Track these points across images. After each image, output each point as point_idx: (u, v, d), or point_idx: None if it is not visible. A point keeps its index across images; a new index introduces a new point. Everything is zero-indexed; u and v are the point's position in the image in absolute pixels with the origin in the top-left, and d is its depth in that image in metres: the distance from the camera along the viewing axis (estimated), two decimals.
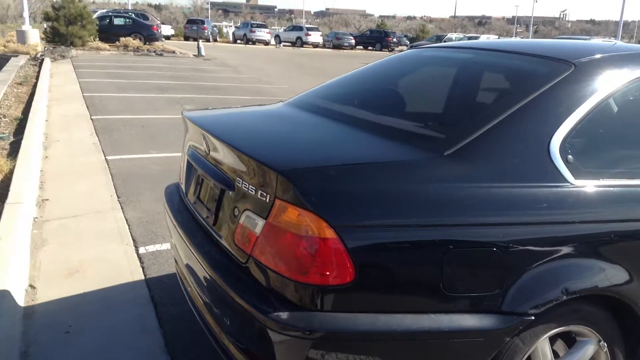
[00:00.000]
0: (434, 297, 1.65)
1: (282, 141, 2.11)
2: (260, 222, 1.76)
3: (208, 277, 1.97)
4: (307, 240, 1.61)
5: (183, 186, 2.59)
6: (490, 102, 2.15)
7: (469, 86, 2.43)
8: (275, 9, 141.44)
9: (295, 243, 1.63)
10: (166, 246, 3.94)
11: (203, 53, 24.34)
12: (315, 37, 43.23)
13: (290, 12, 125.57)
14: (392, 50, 42.77)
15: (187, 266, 2.29)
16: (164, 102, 10.59)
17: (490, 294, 1.69)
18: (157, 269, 3.60)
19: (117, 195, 5.03)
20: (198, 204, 2.32)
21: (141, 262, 3.70)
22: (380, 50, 42.73)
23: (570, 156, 1.83)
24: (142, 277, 3.49)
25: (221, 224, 2.04)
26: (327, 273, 1.60)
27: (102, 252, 3.81)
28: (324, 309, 1.60)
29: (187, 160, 2.54)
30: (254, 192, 1.80)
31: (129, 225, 4.33)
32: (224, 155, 2.03)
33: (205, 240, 2.12)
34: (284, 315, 1.60)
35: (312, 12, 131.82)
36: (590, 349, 1.94)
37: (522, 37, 34.44)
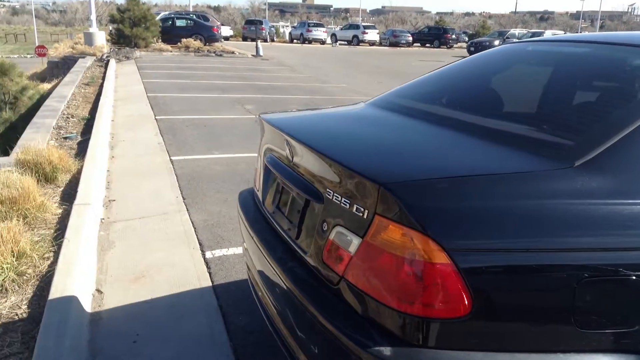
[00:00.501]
0: (563, 334, 1.38)
1: (378, 148, 1.88)
2: (355, 241, 1.54)
3: (292, 296, 1.78)
4: (413, 264, 1.38)
5: (260, 193, 2.41)
6: (623, 102, 1.83)
7: (591, 84, 2.10)
8: (331, 8, 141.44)
9: (398, 267, 1.40)
10: (233, 251, 3.80)
11: (261, 53, 24.47)
12: (372, 35, 42.77)
13: (346, 10, 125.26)
14: (451, 47, 41.78)
15: (264, 278, 2.11)
16: (224, 102, 10.59)
17: (632, 331, 1.40)
18: (224, 275, 3.45)
19: (183, 197, 4.96)
20: (277, 214, 2.14)
21: (208, 267, 3.57)
22: (439, 47, 41.82)
23: None
24: (210, 284, 3.35)
25: (306, 238, 1.84)
26: (439, 304, 1.37)
27: (168, 256, 3.70)
28: (433, 345, 1.37)
29: (265, 166, 2.36)
30: (347, 206, 1.58)
31: (195, 228, 4.23)
32: (312, 164, 1.84)
33: (286, 254, 1.94)
34: (386, 350, 1.37)
35: (368, 11, 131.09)
36: None
37: (588, 32, 32.76)
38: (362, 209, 1.51)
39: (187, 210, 4.63)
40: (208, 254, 3.75)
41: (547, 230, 1.39)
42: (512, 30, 35.53)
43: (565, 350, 1.38)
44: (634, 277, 1.38)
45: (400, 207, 1.39)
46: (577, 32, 31.66)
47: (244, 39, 39.10)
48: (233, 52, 24.82)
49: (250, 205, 2.51)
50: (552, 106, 2.08)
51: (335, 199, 1.64)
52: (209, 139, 7.31)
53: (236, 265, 3.58)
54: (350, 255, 1.55)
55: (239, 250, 3.81)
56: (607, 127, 1.62)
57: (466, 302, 1.35)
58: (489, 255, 1.37)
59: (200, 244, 3.92)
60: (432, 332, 1.37)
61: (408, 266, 1.39)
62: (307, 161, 1.88)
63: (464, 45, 43.78)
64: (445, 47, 41.63)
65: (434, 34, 43.18)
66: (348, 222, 1.58)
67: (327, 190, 1.70)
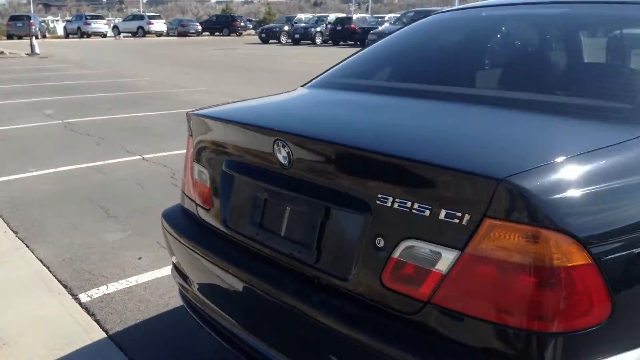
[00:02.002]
0: None
1: (428, 135, 1.53)
2: (447, 255, 1.18)
3: (332, 336, 1.35)
4: (549, 270, 1.08)
5: (213, 212, 1.89)
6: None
7: (599, 46, 1.98)
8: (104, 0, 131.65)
9: (526, 277, 1.09)
10: (114, 287, 3.07)
11: (38, 51, 21.66)
12: (159, 25, 40.89)
13: (121, 2, 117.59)
14: (240, 34, 41.84)
15: (256, 324, 1.65)
16: (16, 110, 8.99)
17: None
18: (118, 320, 2.75)
19: (13, 231, 3.93)
20: (264, 235, 1.67)
21: (91, 313, 2.82)
22: (229, 35, 41.60)
23: None
24: (103, 335, 2.63)
25: (337, 260, 1.43)
26: (582, 313, 1.10)
27: (29, 311, 2.84)
28: None
29: (223, 175, 1.85)
30: (427, 213, 1.21)
31: (48, 267, 3.35)
32: (345, 165, 1.44)
33: (304, 285, 1.50)
34: None
35: (145, 1, 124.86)
36: None
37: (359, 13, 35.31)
38: (459, 214, 1.15)
39: (28, 246, 3.67)
40: (83, 297, 2.98)
41: None
42: (298, 15, 36.77)
43: None
44: None
45: (529, 203, 1.08)
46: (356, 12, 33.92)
47: (10, 37, 34.38)
48: (2, 52, 21.51)
49: (189, 226, 1.97)
50: (572, 70, 1.92)
51: (400, 205, 1.25)
52: (17, 155, 6.05)
53: (128, 304, 2.89)
54: (440, 274, 1.19)
55: (122, 284, 3.10)
56: None
57: (608, 305, 1.12)
58: (623, 244, 1.14)
59: (65, 286, 3.10)
60: (577, 347, 1.11)
61: (541, 274, 1.09)
62: (332, 162, 1.47)
63: (253, 32, 44.29)
64: (235, 34, 41.52)
65: (223, 22, 42.81)
66: (428, 233, 1.22)
67: (381, 196, 1.30)
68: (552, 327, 1.10)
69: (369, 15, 37.35)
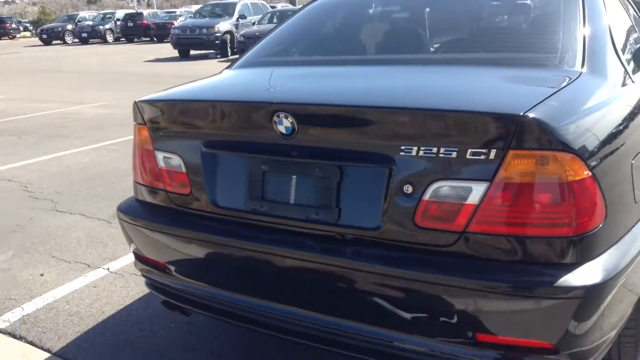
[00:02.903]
0: None
1: (437, 89, 1.82)
2: (478, 187, 1.47)
3: (378, 280, 1.58)
4: (562, 186, 1.43)
5: (195, 195, 1.93)
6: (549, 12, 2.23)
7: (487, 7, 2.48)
8: None
9: (547, 194, 1.44)
10: (30, 307, 2.84)
11: None
12: None
13: None
14: (14, 37, 37.34)
15: (285, 288, 1.81)
16: None
17: None
18: (54, 336, 2.58)
19: None
20: (271, 206, 1.77)
21: (18, 337, 2.59)
22: (0, 38, 36.85)
23: None
24: (47, 354, 2.47)
25: (362, 213, 1.62)
26: (589, 218, 1.46)
27: None
28: (585, 259, 1.46)
29: (204, 157, 1.89)
30: (454, 155, 1.48)
31: None
32: (369, 124, 1.61)
33: (331, 244, 1.66)
34: (574, 274, 1.41)
35: None
36: None
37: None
38: (485, 151, 1.45)
39: None
40: (0, 324, 2.71)
41: (617, 124, 1.69)
42: (81, 14, 34.00)
43: None
44: None
45: (548, 133, 1.41)
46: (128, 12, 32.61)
47: None
48: None
49: (170, 216, 2.00)
50: (503, 30, 2.35)
51: (426, 153, 1.51)
52: None
53: (57, 320, 2.71)
54: (473, 205, 1.48)
55: (37, 302, 2.88)
56: (566, 37, 1.96)
57: (604, 208, 1.50)
58: (606, 158, 1.54)
59: None
60: (588, 245, 1.47)
61: (559, 189, 1.43)
62: (344, 125, 1.64)
63: (29, 34, 39.90)
64: (7, 37, 36.90)
65: None
66: (456, 172, 1.49)
67: (404, 147, 1.53)
68: (570, 231, 1.44)
69: (159, 10, 36.17)
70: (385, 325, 1.63)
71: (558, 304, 1.42)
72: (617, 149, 1.63)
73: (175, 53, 19.53)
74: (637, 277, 1.67)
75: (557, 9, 2.16)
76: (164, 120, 2.00)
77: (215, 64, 17.08)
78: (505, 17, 2.52)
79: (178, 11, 33.25)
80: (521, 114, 1.42)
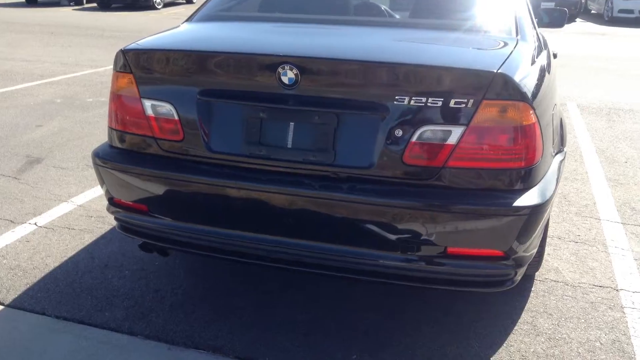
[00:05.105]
0: (555, 141, 2.25)
1: (407, 46, 2.17)
2: (456, 130, 1.81)
3: (368, 210, 1.88)
4: (519, 129, 1.82)
5: (188, 141, 2.06)
6: None
7: None
8: None
9: (509, 134, 1.82)
10: None
11: None
12: None
13: None
14: None
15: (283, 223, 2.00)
16: None
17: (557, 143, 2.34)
18: (1, 289, 2.52)
19: None
20: (269, 149, 1.96)
21: None
22: None
23: None
24: (0, 306, 2.42)
25: (357, 154, 1.88)
26: (533, 155, 1.87)
27: None
28: (530, 186, 1.89)
29: (200, 105, 2.02)
30: (439, 104, 1.80)
31: None
32: (368, 76, 1.87)
33: (327, 181, 1.91)
34: (523, 197, 1.83)
35: None
36: None
37: None
38: (465, 100, 1.80)
39: None
40: None
41: (545, 79, 2.12)
42: None
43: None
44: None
45: (512, 86, 1.80)
46: None
47: None
48: None
49: (154, 161, 2.10)
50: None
51: (416, 102, 1.82)
52: None
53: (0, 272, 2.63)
54: (451, 145, 1.83)
55: None
56: (504, 11, 2.40)
57: (542, 147, 1.93)
58: (542, 107, 1.95)
59: None
60: (532, 175, 1.90)
61: (519, 130, 1.83)
62: (345, 77, 1.89)
63: None
64: None
65: None
66: (440, 118, 1.82)
67: (398, 97, 1.83)
68: (522, 164, 1.86)
69: None
70: (376, 247, 1.95)
71: (512, 220, 1.85)
72: (546, 99, 2.09)
73: None
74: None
75: None
76: (155, 69, 2.08)
77: (69, 12, 15.81)
78: None
79: None
80: (495, 70, 1.81)
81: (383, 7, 2.77)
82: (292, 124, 1.96)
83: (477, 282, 1.98)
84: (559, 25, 3.69)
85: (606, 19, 14.79)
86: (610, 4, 14.63)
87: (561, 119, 2.48)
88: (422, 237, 1.90)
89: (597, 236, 3.16)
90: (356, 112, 1.90)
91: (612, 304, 2.51)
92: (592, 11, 15.92)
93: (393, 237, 1.92)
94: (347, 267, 1.99)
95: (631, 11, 14.28)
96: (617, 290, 2.63)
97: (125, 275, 2.69)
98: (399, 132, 1.87)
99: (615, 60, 9.15)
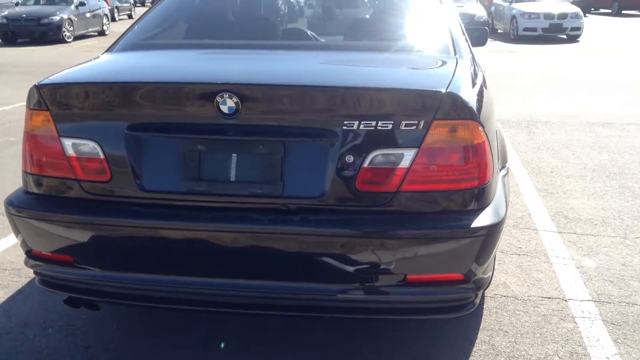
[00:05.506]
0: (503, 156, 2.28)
1: (356, 70, 2.07)
2: (409, 153, 1.73)
3: (322, 242, 1.77)
4: (470, 148, 1.77)
5: (116, 181, 1.86)
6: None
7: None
8: None
9: (461, 154, 1.75)
10: None
11: None
12: None
13: None
14: None
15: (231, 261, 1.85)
16: None
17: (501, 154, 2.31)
18: None
19: None
20: (210, 185, 1.80)
21: None
22: None
23: None
24: None
25: (306, 185, 1.77)
26: (485, 173, 1.82)
27: None
28: (485, 205, 1.83)
29: (128, 141, 1.83)
30: (390, 127, 1.71)
31: None
32: (314, 102, 1.78)
33: (276, 214, 1.78)
34: (479, 217, 1.76)
35: None
36: None
37: None
38: (416, 122, 1.72)
39: None
40: None
41: (485, 96, 2.09)
42: None
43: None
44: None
45: (461, 105, 1.75)
46: None
47: None
48: None
49: (78, 206, 1.88)
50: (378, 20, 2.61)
51: (365, 126, 1.72)
52: None
53: None
54: (405, 168, 1.74)
55: None
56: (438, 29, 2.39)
57: (493, 163, 1.89)
58: (488, 125, 1.91)
59: None
60: (486, 193, 1.84)
61: (470, 149, 1.77)
62: (289, 104, 1.78)
63: None
64: None
65: None
66: (391, 142, 1.74)
67: (347, 122, 1.73)
68: (475, 184, 1.80)
69: None
70: (333, 281, 1.83)
71: (470, 241, 1.79)
72: (490, 116, 2.07)
73: None
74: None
75: (425, 6, 2.61)
76: (75, 105, 1.89)
77: None
78: (391, 11, 2.87)
79: None
80: (444, 90, 1.75)
81: (309, 32, 2.72)
82: (234, 155, 1.82)
83: (439, 308, 1.90)
84: (482, 43, 3.78)
85: (512, 37, 15.64)
86: (515, 24, 15.52)
87: (501, 134, 2.49)
88: (381, 267, 1.80)
89: (537, 247, 3.20)
90: (304, 139, 1.80)
91: (563, 315, 2.51)
92: (499, 30, 16.83)
93: (350, 268, 1.81)
94: (303, 304, 1.86)
95: (534, 29, 15.22)
96: (565, 300, 2.64)
97: (48, 333, 2.40)
98: (349, 158, 1.77)
99: (524, 76, 9.64)
